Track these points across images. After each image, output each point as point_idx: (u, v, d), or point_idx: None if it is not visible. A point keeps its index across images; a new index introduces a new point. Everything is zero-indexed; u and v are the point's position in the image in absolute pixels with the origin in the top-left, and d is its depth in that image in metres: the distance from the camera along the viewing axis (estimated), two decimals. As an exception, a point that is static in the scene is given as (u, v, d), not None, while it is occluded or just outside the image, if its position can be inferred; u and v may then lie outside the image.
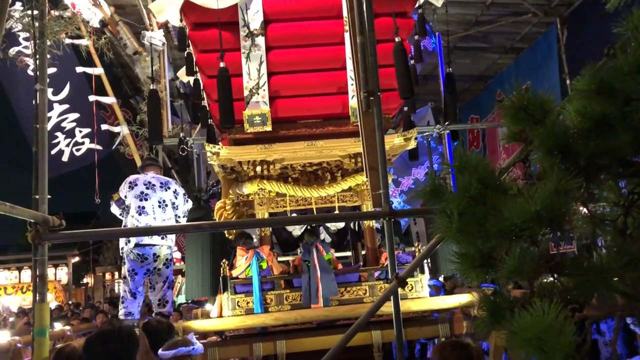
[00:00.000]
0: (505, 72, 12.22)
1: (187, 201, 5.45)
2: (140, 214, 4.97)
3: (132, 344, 2.15)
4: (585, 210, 1.99)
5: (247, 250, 5.06)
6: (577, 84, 2.08)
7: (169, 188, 5.16)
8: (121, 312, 5.00)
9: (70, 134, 9.73)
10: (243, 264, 4.96)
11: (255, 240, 5.68)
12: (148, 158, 5.90)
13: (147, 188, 5.07)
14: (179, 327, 4.32)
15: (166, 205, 5.12)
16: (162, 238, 5.04)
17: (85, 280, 31.13)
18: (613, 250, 1.84)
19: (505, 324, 1.73)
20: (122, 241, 5.21)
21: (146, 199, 5.03)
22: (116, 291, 26.89)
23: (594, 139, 2.01)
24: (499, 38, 11.24)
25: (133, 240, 4.97)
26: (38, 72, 3.10)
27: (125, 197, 5.05)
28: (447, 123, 6.94)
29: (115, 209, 5.22)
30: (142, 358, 2.77)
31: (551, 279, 1.93)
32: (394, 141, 5.20)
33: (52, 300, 21.19)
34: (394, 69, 4.39)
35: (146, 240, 4.94)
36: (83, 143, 9.77)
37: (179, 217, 5.32)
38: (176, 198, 5.21)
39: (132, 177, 5.17)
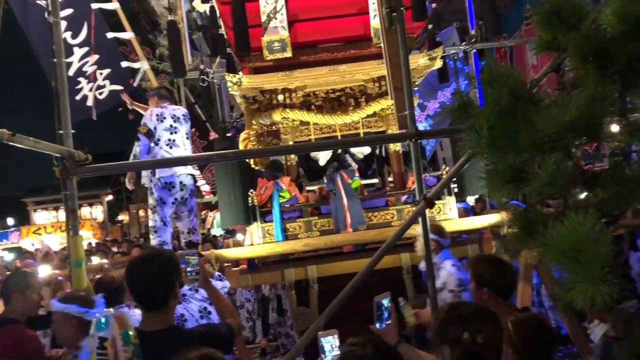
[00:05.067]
0: (534, -15, 11.60)
1: None
2: (171, 147, 4.98)
3: (173, 268, 2.19)
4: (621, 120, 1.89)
5: (268, 180, 5.05)
6: (616, -16, 1.93)
7: (189, 120, 5.14)
8: (154, 242, 5.08)
9: (92, 77, 9.67)
10: (263, 193, 4.97)
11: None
12: (162, 88, 5.79)
13: (175, 121, 5.04)
14: (210, 255, 4.41)
15: (189, 137, 5.14)
16: (186, 167, 5.04)
17: (120, 218, 32.13)
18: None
19: (538, 238, 1.68)
20: (144, 174, 5.24)
21: (176, 132, 5.01)
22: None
23: (633, 42, 1.88)
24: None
25: (158, 171, 4.98)
26: (50, 4, 3.01)
27: (155, 128, 4.98)
28: (472, 40, 6.66)
29: (141, 145, 5.01)
30: (202, 285, 2.84)
31: (586, 193, 1.87)
32: (419, 61, 5.03)
33: (90, 238, 21.96)
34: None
35: (173, 170, 4.94)
36: (104, 86, 9.70)
37: None
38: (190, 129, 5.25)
39: (156, 110, 5.07)
